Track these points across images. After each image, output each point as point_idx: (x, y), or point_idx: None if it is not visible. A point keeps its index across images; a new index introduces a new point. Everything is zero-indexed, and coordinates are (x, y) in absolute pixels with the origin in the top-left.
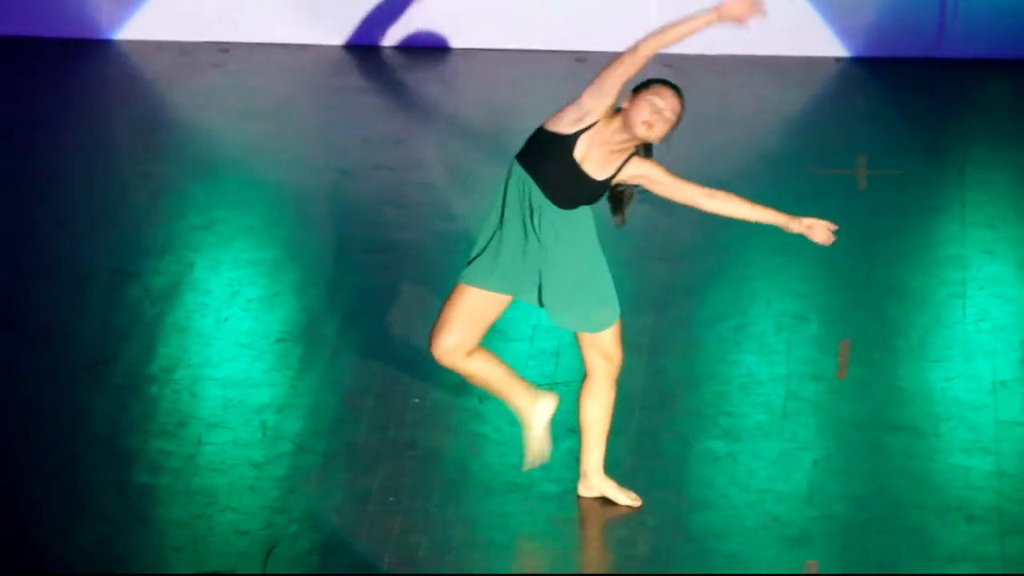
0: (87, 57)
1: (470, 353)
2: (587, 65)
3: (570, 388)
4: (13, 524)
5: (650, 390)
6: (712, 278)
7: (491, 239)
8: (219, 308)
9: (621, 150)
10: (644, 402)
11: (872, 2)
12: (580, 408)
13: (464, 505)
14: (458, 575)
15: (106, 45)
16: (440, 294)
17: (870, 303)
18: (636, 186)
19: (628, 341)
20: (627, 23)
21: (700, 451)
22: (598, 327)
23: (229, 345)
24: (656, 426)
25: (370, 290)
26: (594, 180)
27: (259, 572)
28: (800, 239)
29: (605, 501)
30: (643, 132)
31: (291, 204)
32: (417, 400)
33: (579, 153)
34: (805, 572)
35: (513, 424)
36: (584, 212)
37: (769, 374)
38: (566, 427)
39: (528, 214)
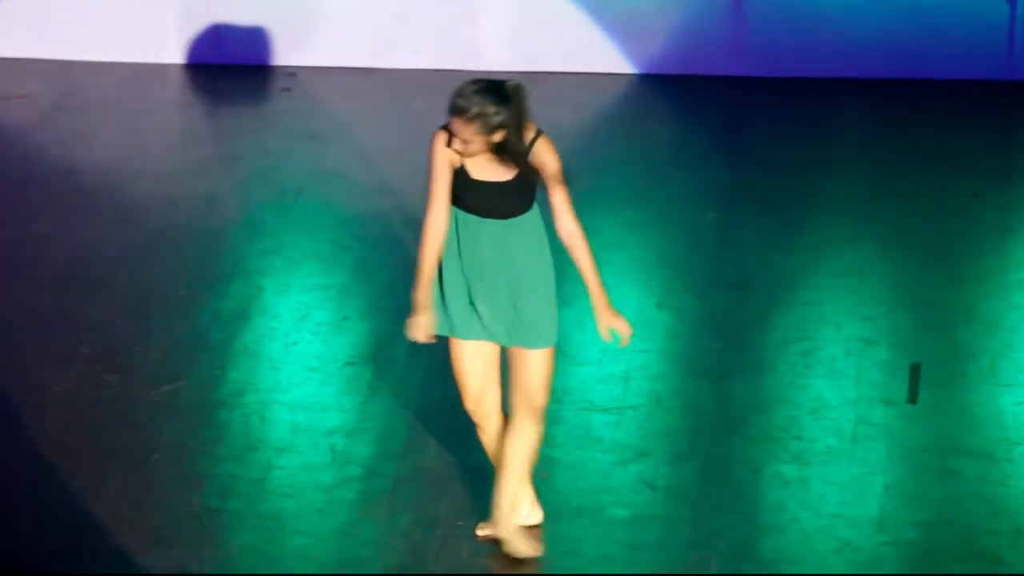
0: (155, 79)
1: (502, 418)
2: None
3: (638, 412)
4: (83, 547)
5: (719, 414)
6: (780, 303)
7: (440, 290)
8: (288, 332)
9: (495, 150)
10: (713, 426)
11: (940, 23)
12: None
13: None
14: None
15: (173, 69)
16: None
17: (940, 327)
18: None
19: (698, 366)
20: (694, 45)
21: (770, 475)
22: (535, 342)
23: (298, 369)
24: (725, 450)
25: None
26: (506, 182)
27: None
28: (870, 260)
29: (667, 527)
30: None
31: (359, 228)
32: None
33: (476, 173)
34: None
35: (581, 448)
36: (530, 225)
37: (839, 398)
38: (635, 451)
39: (468, 244)
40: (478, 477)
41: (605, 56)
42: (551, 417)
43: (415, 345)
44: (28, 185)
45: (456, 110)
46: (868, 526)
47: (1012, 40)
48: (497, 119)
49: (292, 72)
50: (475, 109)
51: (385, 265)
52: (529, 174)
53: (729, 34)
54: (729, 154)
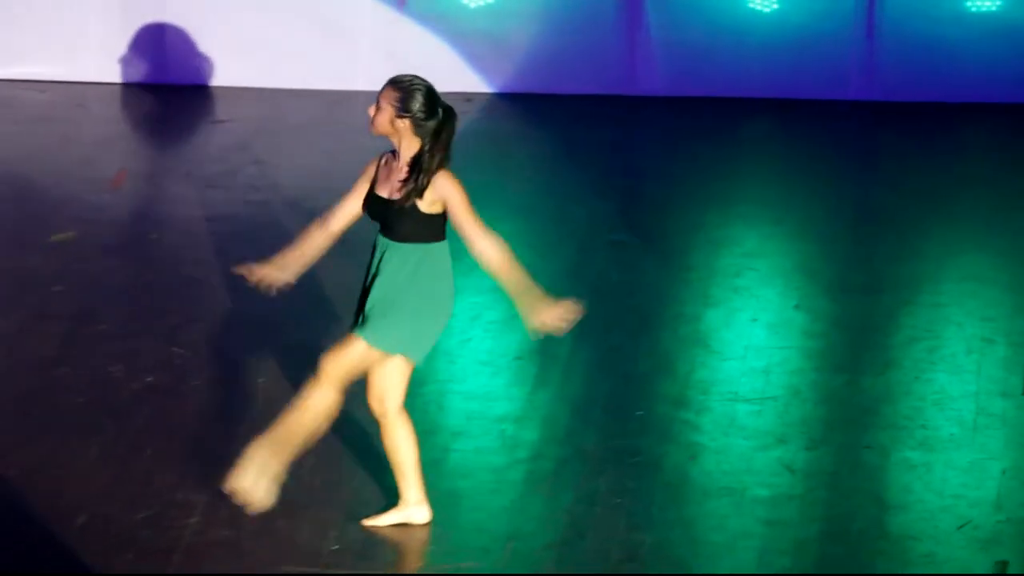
0: (342, 106)
1: (338, 390)
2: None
3: (778, 403)
4: (281, 519)
5: (852, 405)
6: (908, 305)
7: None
8: (463, 330)
9: (409, 167)
10: (846, 416)
11: None
12: None
13: (683, 507)
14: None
15: (358, 96)
16: (668, 322)
17: None
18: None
19: (833, 361)
20: (827, 69)
21: (897, 460)
22: (377, 341)
23: (471, 363)
24: (857, 438)
25: (599, 314)
26: (394, 201)
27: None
28: (992, 267)
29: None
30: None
31: (528, 237)
32: (640, 412)
33: (379, 189)
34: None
35: (727, 434)
36: (433, 256)
37: (960, 391)
38: (775, 438)
39: (379, 255)
40: (633, 459)
41: (736, 81)
42: (699, 407)
43: (577, 343)
44: (230, 201)
45: (393, 78)
46: (987, 506)
47: None
48: (413, 105)
49: (469, 98)
50: (407, 85)
51: (549, 271)
52: (411, 195)
53: (862, 59)
54: (860, 173)
